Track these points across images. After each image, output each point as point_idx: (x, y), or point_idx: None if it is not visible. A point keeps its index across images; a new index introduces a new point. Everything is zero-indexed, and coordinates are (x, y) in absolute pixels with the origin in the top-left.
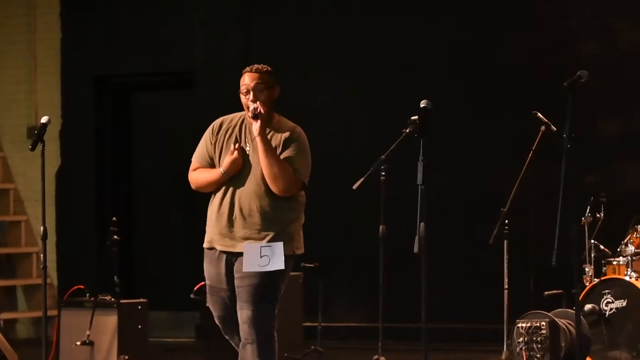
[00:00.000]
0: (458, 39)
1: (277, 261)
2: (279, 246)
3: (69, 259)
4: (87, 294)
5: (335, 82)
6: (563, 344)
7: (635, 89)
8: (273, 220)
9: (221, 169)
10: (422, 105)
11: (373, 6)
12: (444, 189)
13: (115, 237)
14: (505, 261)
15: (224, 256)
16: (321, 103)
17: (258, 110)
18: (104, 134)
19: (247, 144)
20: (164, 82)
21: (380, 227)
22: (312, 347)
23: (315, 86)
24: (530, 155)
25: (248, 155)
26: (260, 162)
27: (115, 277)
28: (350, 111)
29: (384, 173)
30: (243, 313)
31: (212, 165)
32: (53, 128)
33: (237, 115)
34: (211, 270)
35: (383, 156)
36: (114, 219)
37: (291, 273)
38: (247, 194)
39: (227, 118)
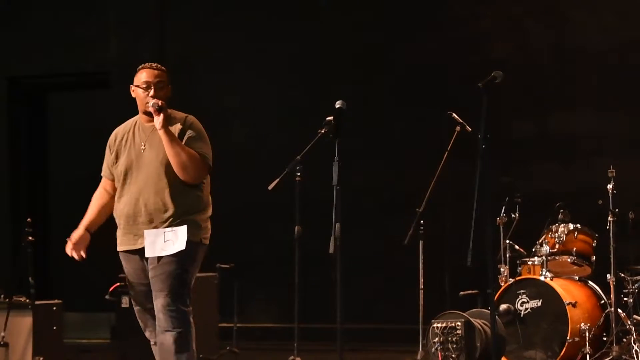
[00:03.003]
0: (374, 39)
1: (180, 243)
2: (182, 230)
3: None
4: (2, 295)
5: (250, 83)
6: (478, 344)
7: (549, 90)
8: (177, 211)
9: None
10: (337, 106)
11: (288, 6)
12: (359, 190)
13: (30, 238)
14: (421, 261)
15: (136, 253)
16: (237, 103)
17: (160, 103)
18: (19, 135)
19: (143, 143)
20: (79, 83)
21: (296, 227)
22: (228, 347)
23: (231, 86)
24: (445, 155)
25: (143, 153)
26: (166, 153)
27: (30, 278)
28: (265, 111)
29: (299, 173)
30: (158, 302)
31: (112, 176)
32: None
33: (130, 121)
34: (128, 268)
35: (299, 157)
36: (29, 219)
37: (207, 274)
38: (149, 191)
39: (120, 128)
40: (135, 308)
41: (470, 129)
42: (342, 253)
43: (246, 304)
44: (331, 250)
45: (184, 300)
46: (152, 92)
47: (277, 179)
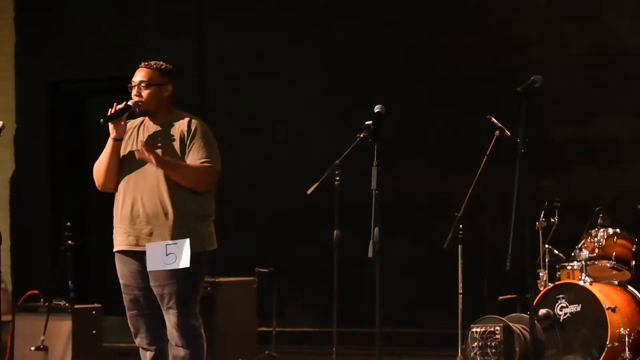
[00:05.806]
0: (412, 43)
1: (184, 259)
2: (186, 243)
3: (23, 264)
4: (42, 299)
5: (289, 86)
6: (517, 349)
7: (587, 93)
8: (178, 216)
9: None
10: (376, 110)
11: (326, 9)
12: (398, 194)
13: (70, 242)
14: (460, 265)
15: (134, 256)
16: (276, 106)
17: (141, 148)
18: (58, 139)
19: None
20: (118, 87)
21: (335, 231)
22: (267, 351)
23: (270, 90)
24: (484, 159)
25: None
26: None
27: (69, 282)
28: (304, 115)
29: (338, 178)
30: (169, 319)
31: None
32: (7, 133)
33: (139, 118)
34: (123, 270)
35: (337, 161)
36: (69, 223)
37: (246, 278)
38: (149, 191)
39: (128, 122)
40: (129, 313)
41: (509, 133)
42: (381, 257)
43: (285, 307)
44: (370, 254)
45: (194, 315)
46: (134, 92)
47: (316, 184)
